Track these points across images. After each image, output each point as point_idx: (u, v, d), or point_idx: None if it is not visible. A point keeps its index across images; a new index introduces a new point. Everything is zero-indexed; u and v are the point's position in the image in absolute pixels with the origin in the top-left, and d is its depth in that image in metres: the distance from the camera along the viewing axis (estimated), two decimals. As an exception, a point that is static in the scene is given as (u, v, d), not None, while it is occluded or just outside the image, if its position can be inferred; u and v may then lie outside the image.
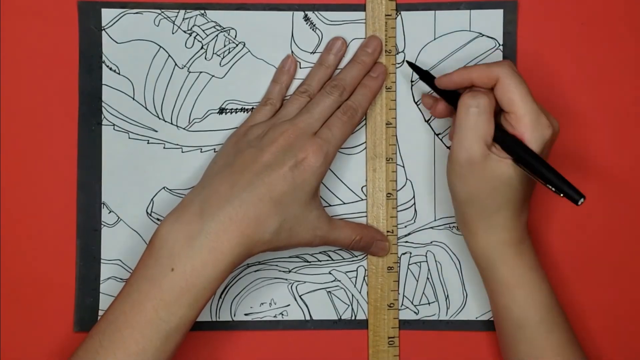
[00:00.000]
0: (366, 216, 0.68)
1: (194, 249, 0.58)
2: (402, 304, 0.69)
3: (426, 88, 0.67)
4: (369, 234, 0.67)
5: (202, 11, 0.68)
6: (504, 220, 0.61)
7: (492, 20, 0.68)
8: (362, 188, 0.69)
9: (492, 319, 0.69)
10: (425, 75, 0.66)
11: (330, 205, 0.68)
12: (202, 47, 0.68)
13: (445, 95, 0.64)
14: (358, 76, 0.66)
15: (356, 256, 0.69)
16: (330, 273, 0.69)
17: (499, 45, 0.68)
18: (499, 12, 0.68)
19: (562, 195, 0.57)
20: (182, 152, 0.68)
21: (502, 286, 0.62)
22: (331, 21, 0.68)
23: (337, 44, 0.67)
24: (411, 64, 0.66)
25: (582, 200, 0.56)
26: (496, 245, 0.62)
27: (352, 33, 0.68)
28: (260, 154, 0.61)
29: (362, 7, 0.68)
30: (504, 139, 0.59)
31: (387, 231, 0.68)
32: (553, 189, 0.57)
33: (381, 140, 0.68)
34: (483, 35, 0.68)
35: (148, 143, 0.68)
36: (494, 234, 0.62)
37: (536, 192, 0.65)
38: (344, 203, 0.69)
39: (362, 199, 0.68)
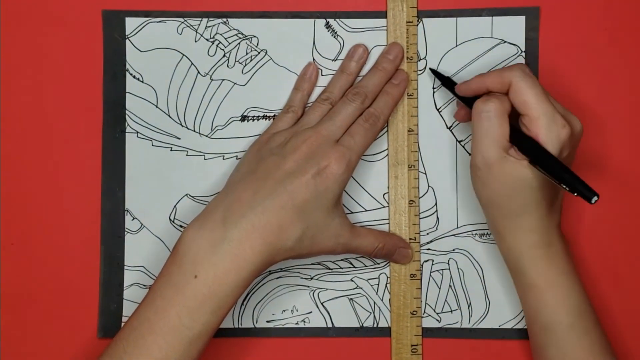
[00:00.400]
0: (388, 223, 0.68)
1: (217, 256, 0.59)
2: (425, 312, 0.69)
3: (449, 94, 0.67)
4: (391, 242, 0.66)
5: (225, 19, 0.68)
6: (529, 222, 0.61)
7: (514, 27, 0.68)
8: (383, 195, 0.68)
9: (515, 327, 0.68)
10: (447, 82, 0.66)
11: (352, 213, 0.68)
12: (224, 55, 0.68)
13: (466, 102, 0.64)
14: (380, 83, 0.66)
15: (378, 263, 0.69)
16: (352, 280, 0.69)
17: (521, 51, 0.68)
18: (521, 19, 0.68)
19: (575, 194, 0.57)
20: (205, 159, 0.68)
21: (532, 288, 0.62)
22: (353, 28, 0.68)
23: (359, 51, 0.67)
24: (434, 71, 0.67)
25: (595, 198, 0.56)
26: (524, 248, 0.62)
27: (374, 40, 0.68)
28: (283, 161, 0.62)
29: (383, 14, 0.68)
30: (520, 141, 0.59)
31: (410, 238, 0.68)
32: (567, 188, 0.57)
33: (403, 147, 0.68)
34: (505, 41, 0.68)
35: (171, 150, 0.68)
36: (521, 236, 0.61)
37: (568, 197, 0.65)
38: (366, 210, 0.69)
39: (384, 206, 0.68)
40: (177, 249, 0.60)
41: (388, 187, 0.68)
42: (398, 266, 0.68)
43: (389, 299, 0.68)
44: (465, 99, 0.64)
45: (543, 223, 0.61)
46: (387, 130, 0.68)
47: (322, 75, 0.68)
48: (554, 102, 0.61)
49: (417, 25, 0.68)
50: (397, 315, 0.68)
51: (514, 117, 0.61)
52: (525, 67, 0.61)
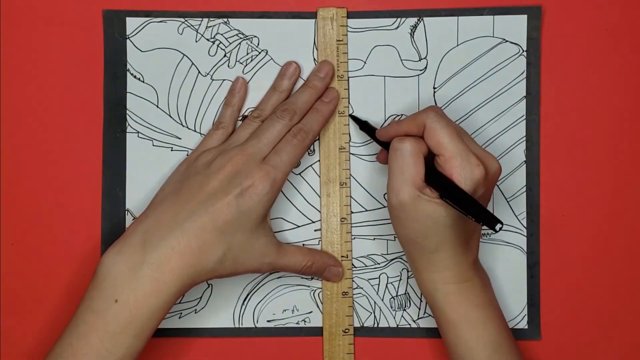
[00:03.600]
0: (320, 241, 0.68)
1: (136, 280, 0.59)
2: (425, 312, 0.69)
3: (448, 95, 0.67)
4: (321, 260, 0.66)
5: (225, 19, 0.68)
6: (443, 259, 0.61)
7: (515, 26, 0.68)
8: (384, 195, 0.68)
9: (515, 327, 0.68)
10: (366, 127, 0.66)
11: (352, 213, 0.68)
12: (225, 55, 0.68)
13: (385, 146, 0.64)
14: (309, 100, 0.66)
15: (378, 263, 0.69)
16: (353, 280, 0.69)
17: (523, 51, 0.68)
18: (523, 18, 0.68)
19: (481, 224, 0.57)
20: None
21: (448, 323, 0.62)
22: (353, 28, 0.68)
23: (291, 69, 0.67)
24: (353, 117, 0.67)
25: (499, 226, 0.56)
26: (439, 284, 0.62)
27: (375, 40, 0.68)
28: (207, 181, 0.61)
29: (384, 14, 0.68)
30: (434, 179, 0.59)
31: (342, 256, 0.68)
32: (473, 218, 0.57)
33: (334, 165, 0.67)
34: (506, 41, 0.68)
35: (172, 150, 0.68)
36: (436, 272, 0.61)
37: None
38: (365, 210, 0.68)
39: (385, 206, 0.68)
40: (97, 273, 0.60)
41: (320, 205, 0.68)
42: (330, 284, 0.68)
43: (322, 318, 0.68)
44: (385, 144, 0.64)
45: (457, 260, 0.61)
46: (319, 148, 0.68)
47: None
48: (470, 142, 0.61)
49: (347, 43, 0.68)
50: (330, 334, 0.68)
51: (430, 158, 0.61)
52: (437, 109, 0.61)
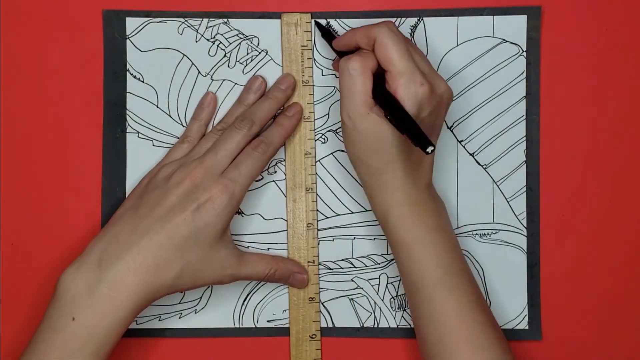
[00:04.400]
0: (287, 247, 0.68)
1: (93, 298, 0.59)
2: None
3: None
4: (285, 267, 0.66)
5: (225, 19, 0.68)
6: (393, 179, 0.61)
7: (515, 26, 0.68)
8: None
9: (516, 327, 0.68)
10: (327, 35, 0.66)
11: (352, 213, 0.68)
12: (225, 55, 0.68)
13: (341, 56, 0.63)
14: (269, 111, 0.65)
15: (378, 263, 0.69)
16: (352, 280, 0.69)
17: (522, 51, 0.68)
18: (523, 18, 0.68)
19: (414, 143, 0.56)
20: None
21: (400, 245, 0.61)
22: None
23: (257, 83, 0.67)
24: (317, 23, 0.67)
25: (430, 148, 0.55)
26: (391, 205, 0.61)
27: (375, 40, 0.68)
28: (165, 196, 0.61)
29: (385, 14, 0.68)
30: (380, 96, 0.59)
31: (308, 261, 0.68)
32: (408, 138, 0.57)
33: (300, 170, 0.67)
34: (506, 41, 0.68)
35: (172, 150, 0.68)
36: (387, 193, 0.61)
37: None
38: (365, 210, 0.68)
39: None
40: (55, 291, 0.60)
41: (286, 211, 0.68)
42: (297, 290, 0.68)
43: (289, 323, 0.68)
44: (341, 53, 0.63)
45: (408, 181, 0.61)
46: (285, 154, 0.68)
47: (322, 75, 0.68)
48: (421, 61, 0.60)
49: (312, 51, 0.68)
50: (297, 340, 0.68)
51: (381, 75, 0.60)
52: (392, 25, 0.60)
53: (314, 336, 0.68)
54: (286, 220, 0.68)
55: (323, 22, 0.67)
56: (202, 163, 0.62)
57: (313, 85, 0.68)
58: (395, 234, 0.61)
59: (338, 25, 0.68)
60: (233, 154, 0.63)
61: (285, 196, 0.68)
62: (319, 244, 0.68)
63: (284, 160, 0.68)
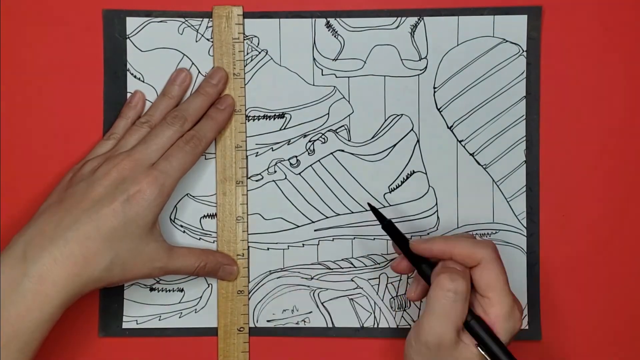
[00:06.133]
0: (216, 240, 0.68)
1: (17, 294, 0.57)
2: (425, 312, 0.69)
3: (449, 94, 0.67)
4: (214, 260, 0.66)
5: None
6: None
7: (516, 26, 0.68)
8: (384, 195, 0.68)
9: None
10: (397, 237, 0.61)
11: (353, 213, 0.68)
12: (225, 55, 0.68)
13: (414, 259, 0.60)
14: (201, 107, 0.65)
15: (378, 263, 0.69)
16: (352, 280, 0.69)
17: (523, 51, 0.68)
18: (523, 18, 0.68)
19: None
20: (206, 158, 0.68)
21: None
22: (353, 27, 0.68)
23: (182, 75, 0.67)
24: (374, 210, 0.63)
25: None
26: None
27: (374, 39, 0.68)
28: (91, 188, 0.60)
29: (385, 13, 0.68)
30: (474, 324, 0.57)
31: (237, 254, 0.68)
32: None
33: (231, 163, 0.67)
34: (507, 41, 0.68)
35: (172, 150, 0.68)
36: None
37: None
38: (365, 210, 0.68)
39: (385, 206, 0.68)
40: None
41: (216, 204, 0.68)
42: (225, 283, 0.68)
43: (217, 316, 0.68)
44: (415, 256, 0.60)
45: None
46: (215, 147, 0.67)
47: (322, 75, 0.68)
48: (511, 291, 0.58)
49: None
50: (225, 333, 0.68)
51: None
52: (496, 248, 0.59)
53: (241, 329, 0.68)
54: (215, 214, 0.68)
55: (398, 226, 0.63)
56: (131, 155, 0.62)
57: (244, 79, 0.67)
58: None
59: (338, 25, 0.68)
60: (164, 148, 0.62)
61: (215, 190, 0.68)
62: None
63: (284, 161, 0.68)
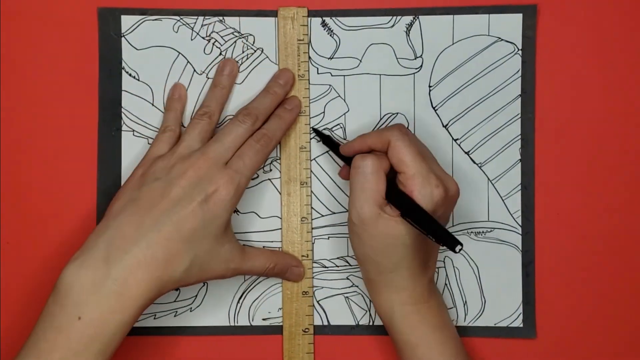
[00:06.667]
0: (281, 241, 0.68)
1: (100, 295, 0.57)
2: (421, 310, 0.69)
3: (445, 92, 0.67)
4: (283, 261, 0.66)
5: (221, 18, 0.68)
6: (401, 279, 0.61)
7: (511, 25, 0.68)
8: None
9: (511, 325, 0.68)
10: (328, 142, 0.66)
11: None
12: (220, 54, 0.68)
13: (348, 161, 0.63)
14: (270, 106, 0.66)
15: (374, 262, 0.69)
16: (347, 278, 0.69)
17: (518, 50, 0.68)
18: (518, 17, 0.68)
19: (441, 244, 0.58)
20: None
21: (406, 344, 0.62)
22: (349, 26, 0.68)
23: (229, 65, 0.67)
24: (316, 131, 0.67)
25: (459, 247, 0.57)
26: (396, 304, 0.62)
27: (370, 38, 0.68)
28: (169, 188, 0.60)
29: (381, 12, 0.68)
30: (395, 197, 0.60)
31: (302, 255, 0.68)
32: (433, 238, 0.58)
33: (295, 164, 0.67)
34: (502, 39, 0.68)
35: (167, 148, 0.68)
36: (394, 292, 0.62)
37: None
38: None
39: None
40: (58, 288, 0.57)
41: (281, 204, 0.68)
42: (290, 284, 0.68)
43: (282, 317, 0.68)
44: (348, 159, 0.63)
45: (415, 280, 0.61)
46: (280, 147, 0.68)
47: (318, 74, 0.68)
48: (431, 162, 0.61)
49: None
50: (290, 333, 0.68)
51: (393, 176, 0.61)
52: (403, 127, 0.62)
53: (307, 330, 0.68)
54: (280, 215, 0.68)
55: (325, 131, 0.68)
56: (206, 154, 0.62)
57: (309, 80, 0.68)
58: (401, 334, 0.62)
59: (334, 24, 0.68)
60: (236, 146, 0.63)
61: (280, 191, 0.68)
62: (313, 238, 0.68)
63: (279, 159, 0.68)
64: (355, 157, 0.61)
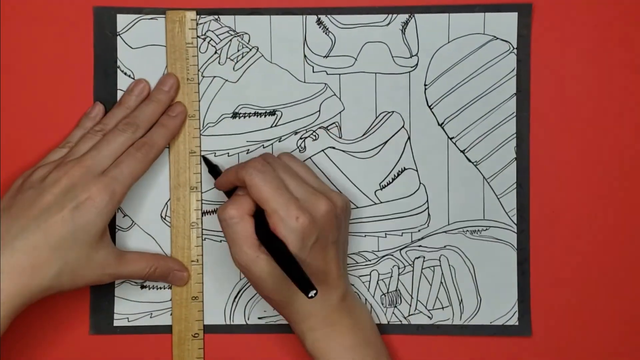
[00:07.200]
0: (170, 245, 0.68)
1: None
2: (416, 309, 0.69)
3: (440, 91, 0.67)
4: (164, 264, 0.65)
5: (216, 16, 0.68)
6: (302, 308, 0.61)
7: (506, 24, 0.68)
8: (375, 192, 0.68)
9: (506, 323, 0.68)
10: (213, 171, 0.66)
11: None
12: (215, 52, 0.68)
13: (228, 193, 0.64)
14: (153, 114, 0.65)
15: (369, 260, 0.69)
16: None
17: (513, 48, 0.68)
18: (514, 15, 0.68)
19: (298, 287, 0.57)
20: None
21: None
22: (344, 24, 0.68)
23: (140, 86, 0.66)
24: (205, 159, 0.67)
25: (312, 293, 0.56)
26: (306, 332, 0.62)
27: (365, 36, 0.68)
28: (40, 196, 0.59)
29: (376, 10, 0.68)
30: (264, 237, 0.59)
31: (192, 260, 0.67)
32: (291, 279, 0.57)
33: (185, 169, 0.67)
34: (497, 38, 0.68)
35: (162, 147, 0.68)
36: (301, 321, 0.62)
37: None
38: (356, 207, 0.68)
39: (376, 203, 0.68)
40: None
41: (170, 210, 0.67)
42: (179, 289, 0.67)
43: (171, 323, 0.68)
44: (229, 192, 0.64)
45: (317, 305, 0.61)
46: (169, 152, 0.67)
47: (313, 72, 0.68)
48: (297, 187, 0.60)
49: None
50: (179, 339, 0.67)
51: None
52: (257, 162, 0.60)
53: (196, 335, 0.67)
54: (170, 221, 0.67)
55: (211, 158, 0.67)
56: (81, 162, 0.61)
57: (198, 83, 0.67)
58: (314, 357, 0.62)
59: (329, 22, 0.68)
60: (116, 155, 0.62)
61: (170, 196, 0.67)
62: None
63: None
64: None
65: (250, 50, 0.68)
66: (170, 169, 0.67)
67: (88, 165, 0.61)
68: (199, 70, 0.67)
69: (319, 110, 0.68)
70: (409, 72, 0.68)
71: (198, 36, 0.68)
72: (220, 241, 0.68)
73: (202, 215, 0.67)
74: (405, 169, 0.69)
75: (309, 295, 0.56)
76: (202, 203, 0.67)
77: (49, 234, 0.58)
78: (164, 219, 0.68)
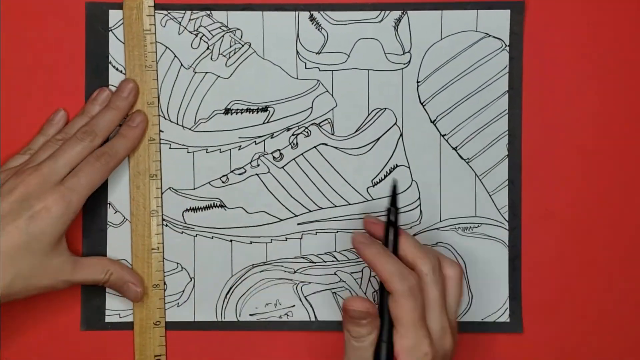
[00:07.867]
0: (131, 234, 0.67)
1: None
2: (408, 305, 0.69)
3: (433, 88, 0.67)
4: (120, 272, 0.65)
5: (208, 12, 0.68)
6: None
7: (499, 21, 0.68)
8: (367, 189, 0.68)
9: (497, 320, 0.69)
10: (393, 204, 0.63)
11: (336, 206, 0.68)
12: (208, 48, 0.68)
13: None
14: (112, 121, 0.65)
15: (361, 257, 0.69)
16: (335, 274, 0.69)
17: (505, 46, 0.68)
18: (506, 13, 0.68)
19: None
20: (188, 152, 0.68)
21: None
22: (337, 21, 0.68)
23: (103, 95, 0.66)
24: (394, 188, 0.63)
25: None
26: None
27: (358, 33, 0.68)
28: None
29: (369, 7, 0.68)
30: (381, 349, 0.59)
31: (153, 248, 0.67)
32: None
33: (144, 156, 0.67)
34: (490, 35, 0.68)
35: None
36: None
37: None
38: (348, 204, 0.68)
39: (368, 200, 0.68)
40: None
41: (130, 198, 0.67)
42: (140, 277, 0.67)
43: (132, 311, 0.68)
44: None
45: None
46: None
47: (306, 69, 0.68)
48: (435, 319, 0.59)
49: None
50: (140, 327, 0.67)
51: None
52: (413, 280, 0.59)
53: (157, 323, 0.67)
54: (130, 209, 0.67)
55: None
56: (38, 170, 0.61)
57: (156, 70, 0.67)
58: None
59: (322, 18, 0.68)
60: (73, 164, 0.62)
61: (130, 184, 0.67)
62: (301, 234, 0.68)
63: (267, 154, 0.68)
64: (350, 328, 0.60)
65: (243, 46, 0.68)
66: (129, 156, 0.67)
67: (45, 174, 0.61)
68: (156, 60, 0.66)
69: (312, 107, 0.68)
70: (402, 69, 0.68)
71: (190, 32, 0.68)
72: (212, 237, 0.68)
73: (161, 204, 0.67)
74: (397, 165, 0.69)
75: None
76: (161, 191, 0.67)
77: (3, 243, 0.58)
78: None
